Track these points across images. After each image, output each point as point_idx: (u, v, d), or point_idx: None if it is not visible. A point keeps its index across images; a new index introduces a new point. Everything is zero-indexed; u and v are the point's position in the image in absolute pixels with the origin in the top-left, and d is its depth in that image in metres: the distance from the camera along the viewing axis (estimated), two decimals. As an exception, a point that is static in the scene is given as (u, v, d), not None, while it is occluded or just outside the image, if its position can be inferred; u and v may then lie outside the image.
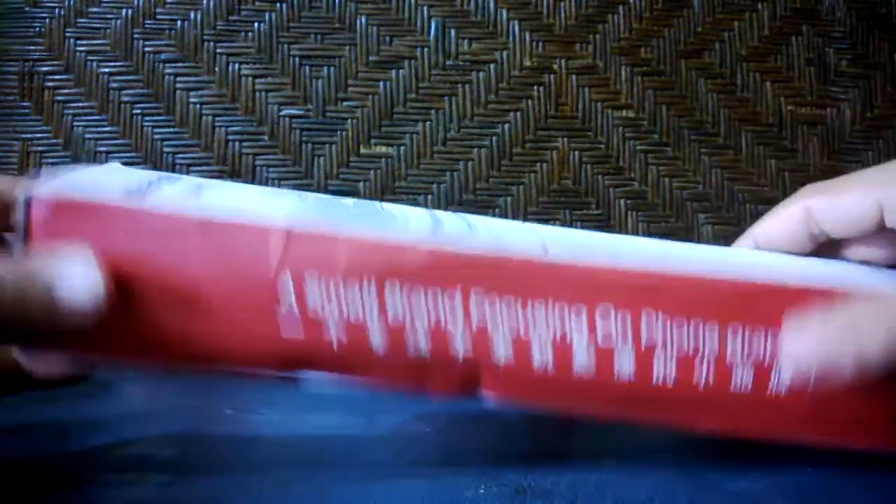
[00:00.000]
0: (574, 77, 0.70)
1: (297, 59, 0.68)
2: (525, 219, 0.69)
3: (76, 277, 0.21)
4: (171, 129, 0.67)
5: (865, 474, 0.25)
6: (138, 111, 0.67)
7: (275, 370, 0.25)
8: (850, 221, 0.24)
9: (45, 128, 0.66)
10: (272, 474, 0.27)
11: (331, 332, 0.25)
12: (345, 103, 0.69)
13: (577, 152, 0.69)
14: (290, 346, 0.25)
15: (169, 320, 0.24)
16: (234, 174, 0.67)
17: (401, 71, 0.69)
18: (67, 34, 0.67)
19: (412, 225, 0.26)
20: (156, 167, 0.67)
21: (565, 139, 0.69)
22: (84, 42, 0.67)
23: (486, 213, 0.68)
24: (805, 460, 0.26)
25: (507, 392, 0.26)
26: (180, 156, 0.67)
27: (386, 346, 0.25)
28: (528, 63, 0.70)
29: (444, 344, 0.25)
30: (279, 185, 0.67)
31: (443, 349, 0.25)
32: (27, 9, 0.67)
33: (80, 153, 0.67)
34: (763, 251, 0.28)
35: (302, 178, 0.68)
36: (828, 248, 0.26)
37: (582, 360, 0.25)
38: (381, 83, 0.69)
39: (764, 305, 0.25)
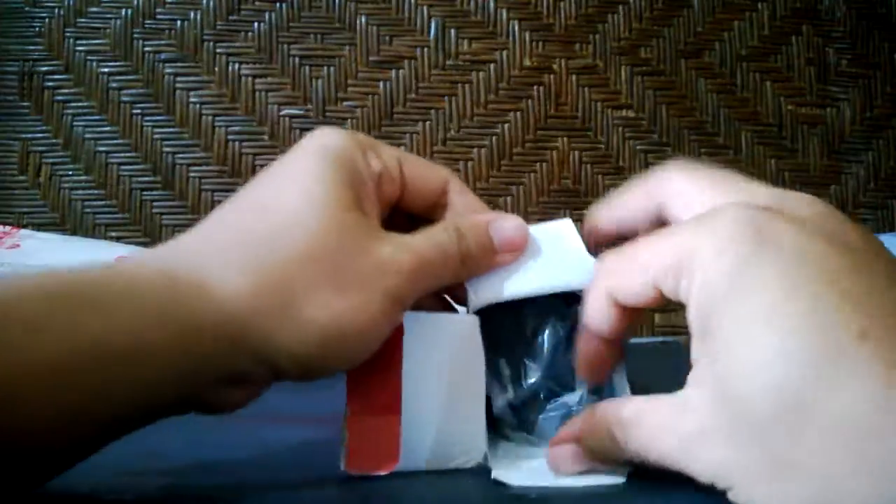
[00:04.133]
0: (574, 77, 0.70)
1: (297, 59, 0.68)
2: (525, 219, 0.68)
3: None
4: (171, 129, 0.67)
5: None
6: (138, 111, 0.67)
7: None
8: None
9: (44, 127, 0.66)
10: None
11: None
12: (345, 103, 0.68)
13: (577, 152, 0.69)
14: None
15: None
16: (233, 174, 0.67)
17: (401, 71, 0.69)
18: (67, 34, 0.67)
19: None
20: (156, 167, 0.67)
21: (565, 139, 0.69)
22: (84, 42, 0.67)
23: (486, 213, 0.68)
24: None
25: None
26: (180, 156, 0.67)
27: None
28: (528, 63, 0.70)
29: None
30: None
31: None
32: (27, 9, 0.67)
33: (79, 153, 0.66)
34: None
35: (302, 178, 0.67)
36: None
37: None
38: (381, 83, 0.69)
39: None
